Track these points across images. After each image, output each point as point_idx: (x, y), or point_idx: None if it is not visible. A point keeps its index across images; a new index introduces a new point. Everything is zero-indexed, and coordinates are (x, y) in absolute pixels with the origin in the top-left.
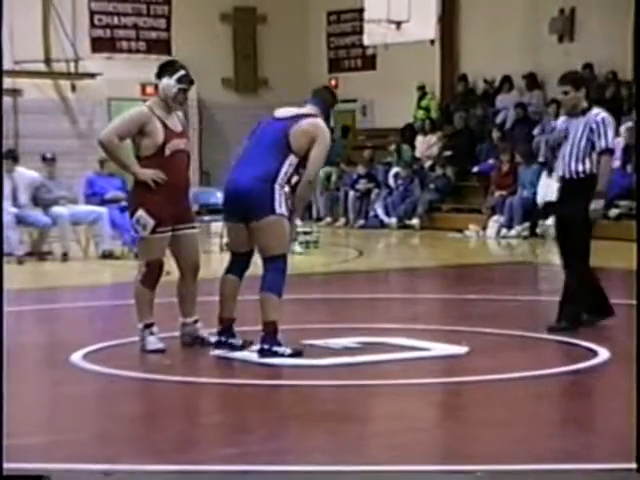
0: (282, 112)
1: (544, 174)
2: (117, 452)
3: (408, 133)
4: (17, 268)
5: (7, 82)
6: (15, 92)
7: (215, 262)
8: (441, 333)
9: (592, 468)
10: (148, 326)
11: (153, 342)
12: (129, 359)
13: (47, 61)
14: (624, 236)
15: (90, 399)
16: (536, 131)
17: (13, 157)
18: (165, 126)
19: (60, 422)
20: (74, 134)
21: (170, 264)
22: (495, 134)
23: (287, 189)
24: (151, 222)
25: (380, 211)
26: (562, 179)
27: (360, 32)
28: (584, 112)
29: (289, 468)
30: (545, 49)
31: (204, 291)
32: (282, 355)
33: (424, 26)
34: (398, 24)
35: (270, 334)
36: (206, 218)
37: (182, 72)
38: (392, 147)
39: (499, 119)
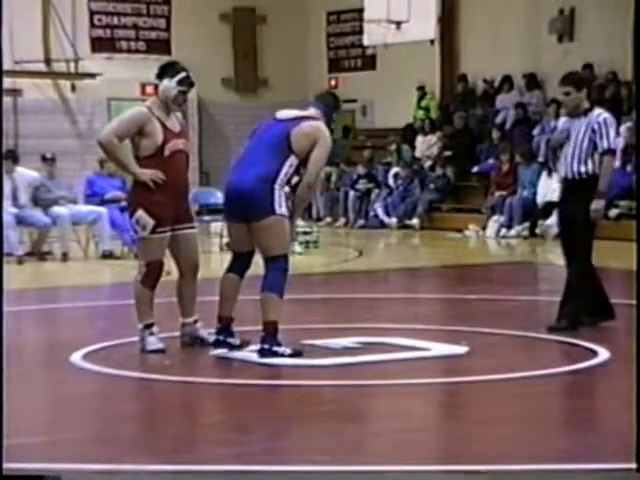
0: (284, 114)
1: (544, 174)
2: (117, 452)
3: (408, 133)
4: (17, 268)
5: (7, 82)
6: (15, 92)
7: (215, 262)
8: (441, 333)
9: (592, 468)
10: (148, 326)
11: (153, 342)
12: (129, 359)
13: (47, 61)
14: (624, 236)
15: (90, 399)
16: (536, 131)
17: (13, 157)
18: (164, 126)
19: (60, 422)
20: (74, 134)
21: (170, 264)
22: (495, 134)
23: (287, 189)
24: (151, 222)
25: (380, 211)
26: (565, 180)
27: (360, 32)
28: (586, 113)
29: (289, 468)
30: (545, 49)
31: (204, 291)
32: (282, 355)
33: (424, 26)
34: (398, 24)
35: (270, 334)
36: (206, 218)
37: (183, 74)
38: (392, 147)
39: (499, 119)
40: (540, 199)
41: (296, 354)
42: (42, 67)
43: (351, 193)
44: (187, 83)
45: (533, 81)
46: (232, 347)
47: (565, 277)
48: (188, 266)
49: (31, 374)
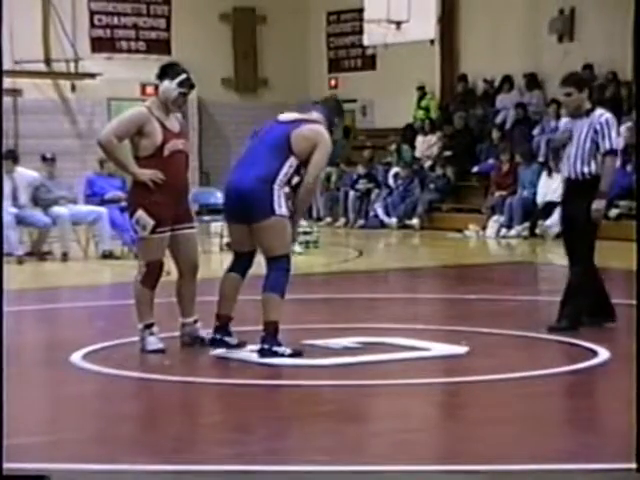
0: (285, 116)
1: (544, 174)
2: (117, 452)
3: (408, 133)
4: (17, 268)
5: (7, 82)
6: (15, 92)
7: (215, 262)
8: (441, 333)
9: (592, 468)
10: (148, 326)
11: (153, 342)
12: (129, 359)
13: (47, 61)
14: (624, 236)
15: (90, 399)
16: (536, 131)
17: (13, 157)
18: (163, 127)
19: (60, 422)
20: (74, 134)
21: (170, 264)
22: (495, 134)
23: (287, 189)
24: (150, 222)
25: (380, 211)
26: (568, 180)
27: (360, 32)
28: (588, 113)
29: (289, 468)
30: (545, 49)
31: (204, 291)
32: (282, 355)
33: (424, 26)
34: (398, 24)
35: (271, 334)
36: (206, 218)
37: (184, 76)
38: (392, 147)
39: (499, 119)
40: (540, 199)
41: (296, 354)
42: (42, 67)
43: (351, 193)
44: (188, 85)
45: (533, 81)
46: (229, 346)
47: (566, 277)
48: (187, 266)
49: (31, 374)
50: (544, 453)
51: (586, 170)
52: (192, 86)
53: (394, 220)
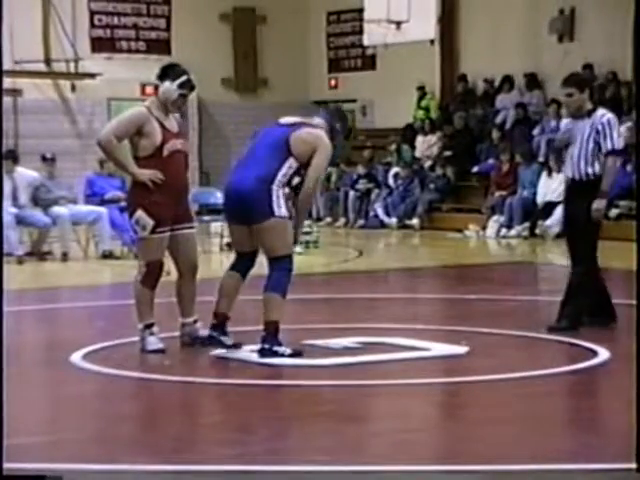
0: (286, 119)
1: (544, 174)
2: (117, 452)
3: (408, 133)
4: (17, 268)
5: (7, 82)
6: (15, 92)
7: (215, 262)
8: (441, 333)
9: (592, 468)
10: (148, 326)
11: (153, 342)
12: (129, 359)
13: (47, 61)
14: (624, 236)
15: (90, 399)
16: (536, 131)
17: (13, 157)
18: (163, 127)
19: (60, 422)
20: (74, 134)
21: (170, 264)
22: (495, 134)
23: (287, 190)
24: (150, 222)
25: (380, 211)
26: (572, 180)
27: (360, 32)
28: (589, 114)
29: (289, 468)
30: (545, 49)
31: (203, 291)
32: (282, 355)
33: (424, 26)
34: (398, 24)
35: (271, 334)
36: (206, 218)
37: (184, 78)
38: (392, 147)
39: (499, 119)
40: (540, 199)
41: (296, 354)
42: (42, 67)
43: (351, 193)
44: (188, 87)
45: (533, 81)
46: (224, 346)
47: (567, 277)
48: (187, 266)
49: (31, 374)
50: (544, 453)
51: (590, 171)
52: (192, 88)
53: (394, 220)
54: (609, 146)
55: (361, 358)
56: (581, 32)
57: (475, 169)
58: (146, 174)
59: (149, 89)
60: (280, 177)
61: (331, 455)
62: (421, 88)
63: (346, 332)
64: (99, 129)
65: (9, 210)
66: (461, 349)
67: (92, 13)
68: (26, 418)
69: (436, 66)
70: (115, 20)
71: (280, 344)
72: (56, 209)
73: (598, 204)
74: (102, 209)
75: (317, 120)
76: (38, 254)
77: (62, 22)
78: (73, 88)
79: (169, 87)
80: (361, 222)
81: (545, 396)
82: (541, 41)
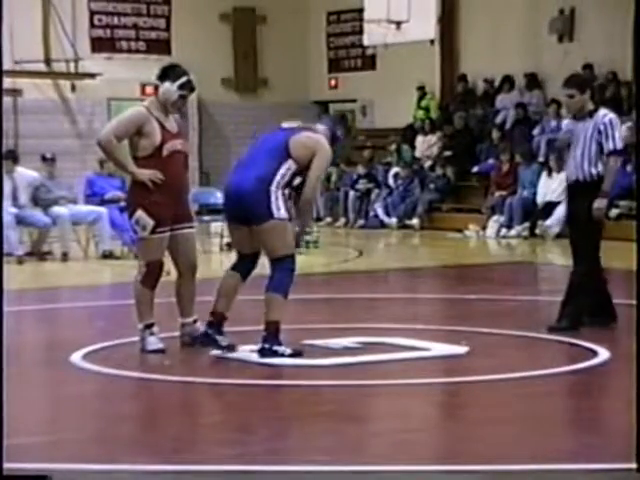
0: (288, 124)
1: (544, 174)
2: (117, 452)
3: (408, 133)
4: (17, 268)
5: (7, 82)
6: (15, 92)
7: (215, 262)
8: (441, 333)
9: (592, 468)
10: (148, 326)
11: (153, 342)
12: (129, 359)
13: (47, 61)
14: (624, 236)
15: (90, 399)
16: (536, 131)
17: (13, 157)
18: (162, 127)
19: (60, 422)
20: (74, 134)
21: (170, 264)
22: (495, 134)
23: (287, 191)
24: (151, 222)
25: (380, 211)
26: (575, 181)
27: (360, 32)
28: (591, 114)
29: (289, 468)
30: (545, 49)
31: (203, 291)
32: (282, 355)
33: (424, 26)
34: (398, 24)
35: (272, 334)
36: (206, 218)
37: (185, 79)
38: (392, 147)
39: (499, 119)
40: (540, 199)
41: (296, 354)
42: (42, 67)
43: (351, 193)
44: (188, 88)
45: (533, 81)
46: (218, 346)
47: (567, 277)
48: (186, 266)
49: (31, 374)
50: (544, 453)
51: (594, 171)
52: (193, 89)
53: (394, 220)
54: (611, 146)
55: (361, 358)
56: (581, 32)
57: (475, 169)
58: (146, 174)
59: (149, 89)
60: (278, 178)
61: (331, 455)
62: (421, 88)
63: (346, 332)
64: (99, 129)
65: (9, 210)
66: (461, 349)
67: (92, 13)
68: (26, 418)
69: (436, 66)
70: (115, 20)
71: (280, 344)
72: (56, 209)
73: (599, 203)
74: (102, 209)
75: (319, 127)
76: (38, 254)
77: (62, 22)
78: (73, 88)
79: (169, 88)
80: (361, 222)
81: (545, 396)
82: (541, 41)
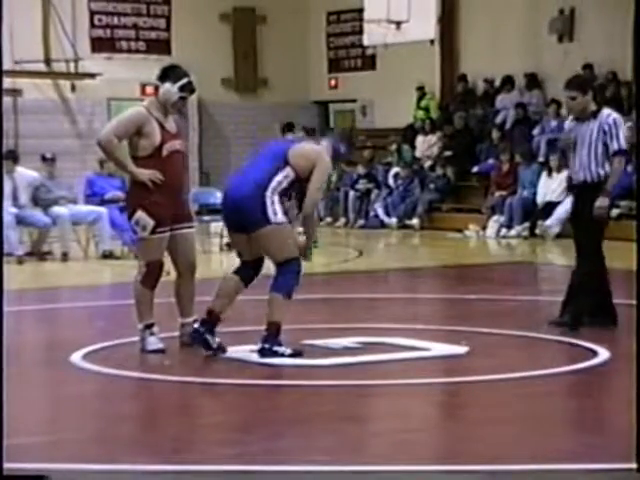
0: (292, 136)
1: (544, 174)
2: (117, 452)
3: (408, 133)
4: (17, 268)
5: (7, 82)
6: (15, 92)
7: (215, 262)
8: (441, 333)
9: (592, 468)
10: (148, 326)
11: (153, 342)
12: (129, 359)
13: (47, 61)
14: (624, 236)
15: (90, 399)
16: (536, 131)
17: (13, 157)
18: (162, 127)
19: (60, 422)
20: (74, 134)
21: (169, 264)
22: (495, 134)
23: (285, 199)
24: (151, 223)
25: (380, 211)
26: (583, 182)
27: (360, 32)
28: (594, 115)
29: (289, 468)
30: (545, 49)
31: (203, 291)
32: (282, 355)
33: (424, 26)
34: (398, 24)
35: (272, 334)
36: (206, 218)
37: (185, 80)
38: (393, 147)
39: (499, 119)
40: (540, 199)
41: (296, 354)
42: (42, 67)
43: (351, 193)
44: (189, 89)
45: (533, 81)
46: (207, 346)
47: (568, 277)
48: (185, 266)
49: (31, 374)
50: (544, 453)
51: (601, 172)
52: (193, 90)
53: (394, 220)
54: (615, 146)
55: (361, 358)
56: (581, 32)
57: (475, 169)
58: (146, 174)
59: (149, 89)
60: (274, 184)
61: (331, 455)
62: (421, 88)
63: (346, 332)
64: (99, 129)
65: (9, 210)
66: (461, 349)
67: (92, 13)
68: (26, 418)
69: (436, 66)
70: (115, 20)
71: (280, 344)
72: (56, 209)
73: (601, 202)
74: (102, 209)
75: (323, 142)
76: (38, 254)
77: (62, 22)
78: (73, 88)
79: (170, 89)
80: (361, 222)
81: (545, 396)
82: (541, 41)
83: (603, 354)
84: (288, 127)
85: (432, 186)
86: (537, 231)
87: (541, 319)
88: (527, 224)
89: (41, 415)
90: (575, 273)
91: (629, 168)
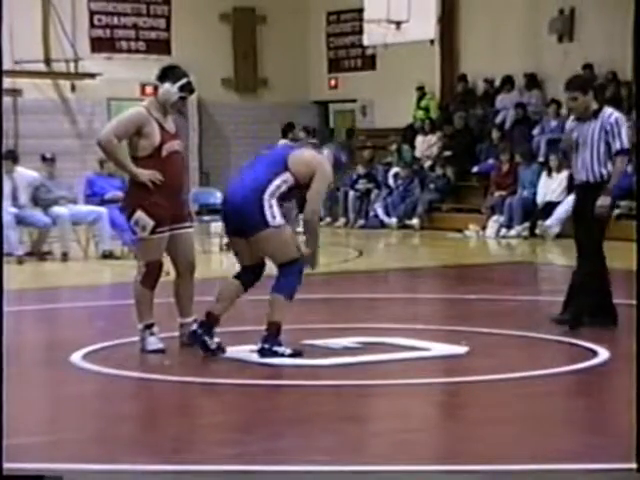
0: (294, 143)
1: (544, 174)
2: (117, 452)
3: (408, 133)
4: (17, 268)
5: (7, 82)
6: (15, 92)
7: (215, 262)
8: (441, 333)
9: (592, 468)
10: (148, 326)
11: (153, 342)
12: (129, 359)
13: (47, 61)
14: (624, 236)
15: (90, 399)
16: (536, 131)
17: (13, 157)
18: (162, 127)
19: (60, 422)
20: (74, 134)
21: (169, 264)
22: (495, 134)
23: (284, 203)
24: (151, 223)
25: (380, 211)
26: (586, 183)
27: (360, 32)
28: (596, 114)
29: (289, 468)
30: (545, 49)
31: (203, 291)
32: (282, 355)
33: (424, 26)
34: (398, 24)
35: (272, 335)
36: (206, 218)
37: (185, 80)
38: (393, 147)
39: (499, 119)
40: (540, 199)
41: (296, 354)
42: (42, 67)
43: (351, 193)
44: (188, 89)
45: (533, 81)
46: (205, 348)
47: (569, 277)
48: (184, 266)
49: (31, 374)
50: (544, 453)
51: (604, 172)
52: (192, 91)
53: (394, 220)
54: (618, 145)
55: (361, 358)
56: (581, 32)
57: (475, 169)
58: (146, 174)
59: (149, 89)
60: (272, 188)
61: (331, 455)
62: (421, 88)
63: (346, 332)
64: (99, 129)
65: (9, 210)
66: (461, 349)
67: (92, 13)
68: (26, 418)
69: (436, 66)
70: (115, 20)
71: (280, 345)
72: (56, 209)
73: (603, 201)
74: (102, 209)
75: (324, 151)
76: (38, 254)
77: (62, 22)
78: (73, 88)
79: (169, 89)
80: (361, 222)
81: (545, 396)
82: (541, 41)
83: (603, 354)
84: (288, 127)
85: (432, 186)
86: (537, 231)
87: (541, 319)
88: (527, 224)
89: (41, 415)
90: (576, 273)
91: (629, 168)
